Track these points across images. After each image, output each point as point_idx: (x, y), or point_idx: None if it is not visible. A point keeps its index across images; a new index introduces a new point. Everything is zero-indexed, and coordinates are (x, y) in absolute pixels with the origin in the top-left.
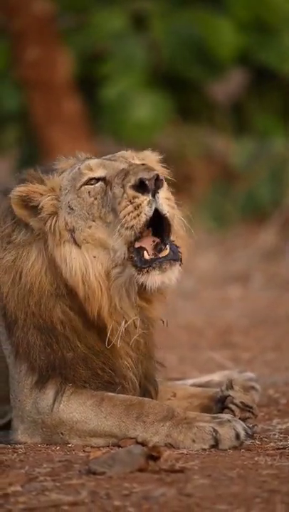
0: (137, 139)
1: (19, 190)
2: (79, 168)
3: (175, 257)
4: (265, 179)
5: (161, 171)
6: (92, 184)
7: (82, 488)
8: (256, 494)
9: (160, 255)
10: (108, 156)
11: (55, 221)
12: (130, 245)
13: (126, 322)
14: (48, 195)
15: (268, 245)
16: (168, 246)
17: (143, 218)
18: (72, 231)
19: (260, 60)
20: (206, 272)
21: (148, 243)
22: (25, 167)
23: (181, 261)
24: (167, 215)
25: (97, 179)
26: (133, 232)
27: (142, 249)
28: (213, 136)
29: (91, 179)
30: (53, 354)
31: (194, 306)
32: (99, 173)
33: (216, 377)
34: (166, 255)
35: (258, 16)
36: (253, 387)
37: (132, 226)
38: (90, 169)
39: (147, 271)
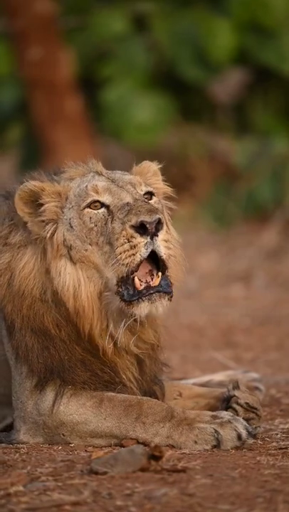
0: (139, 141)
1: (34, 184)
2: (86, 187)
3: (166, 290)
4: (267, 178)
5: (160, 187)
6: (95, 208)
7: (85, 488)
8: (258, 494)
9: (151, 283)
10: (117, 175)
11: (54, 232)
12: (121, 280)
13: (113, 339)
14: (54, 200)
15: (270, 244)
16: (160, 274)
17: (138, 258)
18: (69, 248)
19: (260, 60)
20: (209, 272)
21: (142, 271)
22: (27, 166)
23: (171, 295)
24: (164, 257)
25: (102, 204)
26: (126, 269)
27: (131, 281)
28: (215, 136)
29: (95, 201)
30: (51, 358)
31: (197, 306)
32: (104, 198)
33: (217, 377)
34: (157, 286)
35: (257, 17)
36: (256, 388)
37: (127, 264)
38: (96, 192)
39: (137, 301)
